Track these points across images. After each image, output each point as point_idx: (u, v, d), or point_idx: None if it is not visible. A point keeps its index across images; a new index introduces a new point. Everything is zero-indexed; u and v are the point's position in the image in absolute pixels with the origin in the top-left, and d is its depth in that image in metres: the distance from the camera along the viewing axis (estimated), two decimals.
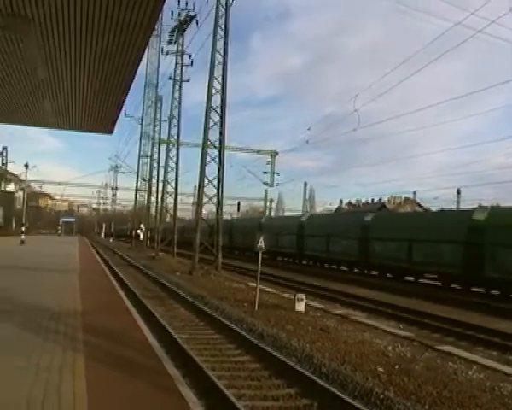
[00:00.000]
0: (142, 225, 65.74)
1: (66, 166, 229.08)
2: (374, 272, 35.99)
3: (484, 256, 25.24)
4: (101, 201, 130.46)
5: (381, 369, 9.75)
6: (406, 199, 77.26)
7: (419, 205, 71.50)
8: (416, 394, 8.37)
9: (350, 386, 8.79)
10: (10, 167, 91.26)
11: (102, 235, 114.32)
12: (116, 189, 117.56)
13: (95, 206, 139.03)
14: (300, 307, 17.20)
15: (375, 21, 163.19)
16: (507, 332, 15.61)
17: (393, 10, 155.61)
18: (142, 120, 65.56)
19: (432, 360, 10.99)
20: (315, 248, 42.65)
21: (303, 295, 17.78)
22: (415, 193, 76.48)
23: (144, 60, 58.70)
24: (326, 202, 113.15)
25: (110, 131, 20.89)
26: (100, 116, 18.86)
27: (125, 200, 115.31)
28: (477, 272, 25.67)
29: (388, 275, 33.76)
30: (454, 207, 54.07)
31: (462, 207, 49.83)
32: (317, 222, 46.31)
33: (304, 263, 46.32)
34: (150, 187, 62.73)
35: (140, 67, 13.56)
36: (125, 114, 60.71)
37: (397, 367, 9.93)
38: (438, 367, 10.25)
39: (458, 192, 64.51)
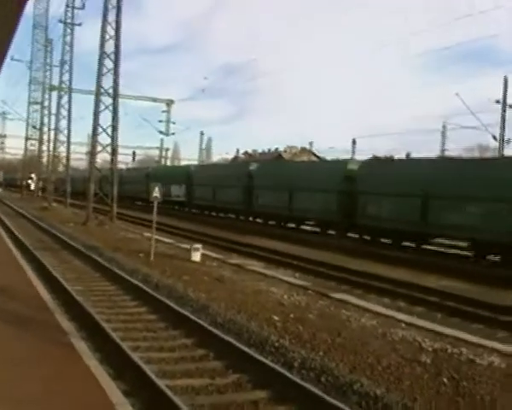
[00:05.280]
0: (33, 175, 63.25)
1: None
2: (258, 220, 36.61)
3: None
4: None
5: (276, 318, 9.86)
6: (302, 149, 77.96)
7: (315, 155, 72.44)
8: (311, 341, 8.53)
9: (245, 335, 8.85)
10: None
11: None
12: (4, 136, 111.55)
13: None
14: (196, 257, 17.15)
15: None
16: (396, 278, 16.16)
17: None
18: (31, 64, 62.14)
19: (326, 307, 11.22)
20: (203, 197, 42.96)
21: (199, 245, 17.75)
22: (311, 143, 77.49)
23: None
24: (223, 152, 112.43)
25: None
26: None
27: (15, 148, 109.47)
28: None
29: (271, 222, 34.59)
30: (349, 156, 54.81)
31: (357, 157, 50.60)
32: (206, 172, 46.61)
33: (193, 211, 46.41)
34: (41, 135, 60.16)
35: (28, 7, 12.67)
36: (12, 58, 56.87)
37: (292, 316, 10.08)
38: (332, 315, 10.49)
39: (354, 142, 65.78)
